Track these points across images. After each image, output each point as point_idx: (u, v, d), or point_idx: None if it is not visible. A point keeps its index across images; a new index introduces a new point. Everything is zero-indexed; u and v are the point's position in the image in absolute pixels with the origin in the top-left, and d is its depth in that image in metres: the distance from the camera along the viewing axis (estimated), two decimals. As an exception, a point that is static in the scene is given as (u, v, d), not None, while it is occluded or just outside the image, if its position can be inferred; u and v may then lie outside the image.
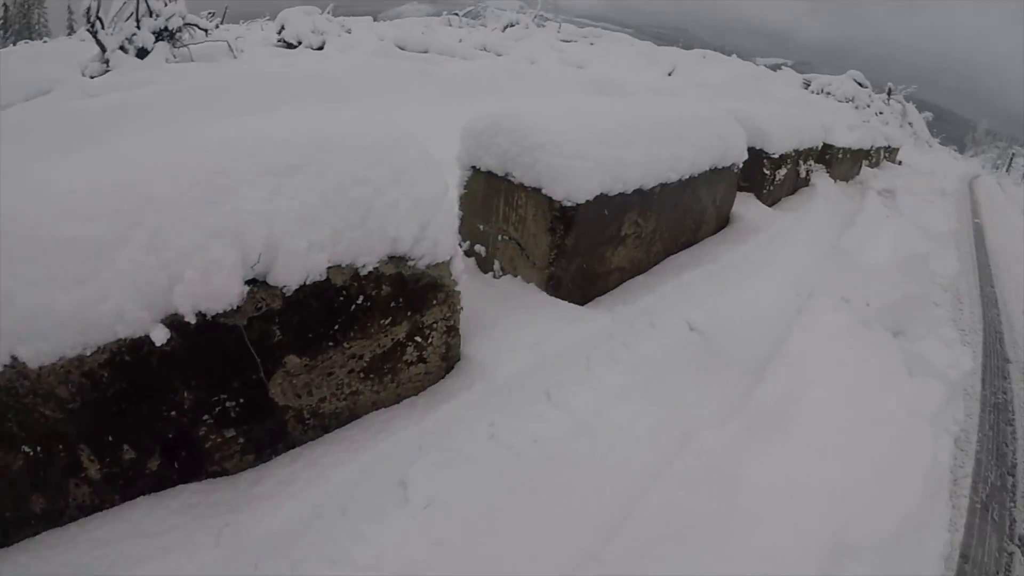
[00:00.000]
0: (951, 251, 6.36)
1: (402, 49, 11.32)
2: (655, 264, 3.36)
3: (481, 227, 2.87)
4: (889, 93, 26.65)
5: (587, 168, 2.55)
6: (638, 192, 2.88)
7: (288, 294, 1.61)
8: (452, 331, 2.20)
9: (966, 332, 4.33)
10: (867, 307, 3.34)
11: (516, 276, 2.84)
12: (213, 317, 1.45)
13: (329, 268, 1.70)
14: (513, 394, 2.17)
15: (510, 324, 2.46)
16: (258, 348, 1.60)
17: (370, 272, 1.81)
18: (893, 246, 5.08)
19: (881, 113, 24.16)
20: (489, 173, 2.70)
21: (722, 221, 4.09)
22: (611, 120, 2.86)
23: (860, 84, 24.67)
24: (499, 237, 2.83)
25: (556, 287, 2.75)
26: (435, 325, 2.11)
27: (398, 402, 2.06)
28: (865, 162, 9.45)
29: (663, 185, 3.04)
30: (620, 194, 2.77)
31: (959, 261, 6.17)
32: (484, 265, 2.94)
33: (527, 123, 2.57)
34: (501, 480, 1.82)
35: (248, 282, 1.53)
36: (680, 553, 1.55)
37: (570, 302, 2.79)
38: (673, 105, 3.58)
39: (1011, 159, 37.07)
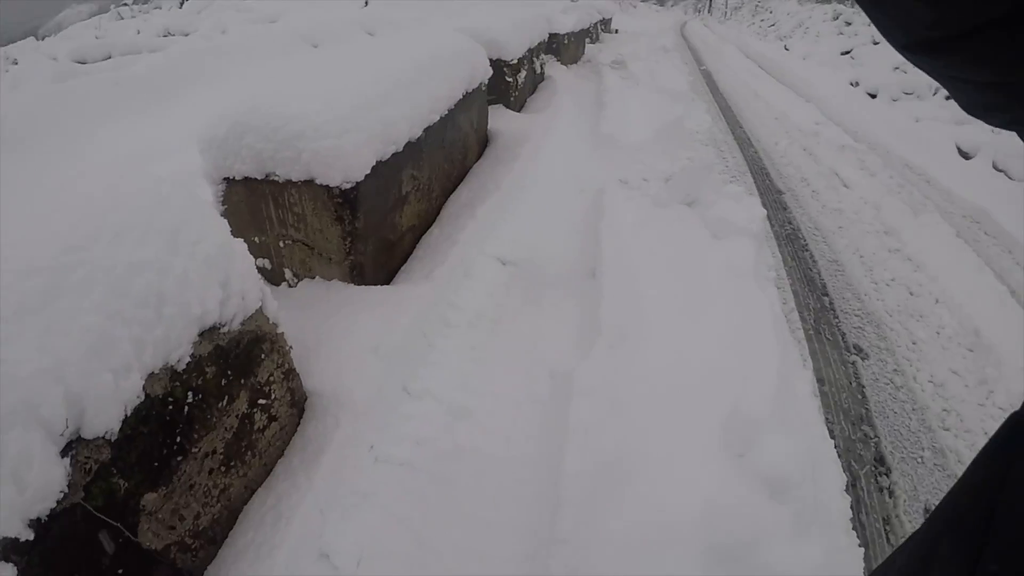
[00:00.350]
0: (698, 105, 7.53)
1: (83, 64, 9.32)
2: (440, 210, 3.50)
3: (257, 239, 2.68)
4: (583, -36, 28.75)
5: (358, 141, 2.51)
6: (408, 145, 2.93)
7: (114, 438, 1.45)
8: (290, 374, 2.15)
9: (737, 178, 5.29)
10: (648, 183, 3.93)
11: (314, 278, 2.77)
12: (49, 515, 1.28)
13: (144, 384, 1.55)
14: (375, 408, 2.25)
15: (336, 334, 2.46)
16: (109, 511, 1.44)
17: (188, 363, 1.69)
18: (647, 117, 5.85)
19: (583, -12, 26.11)
20: (247, 180, 2.49)
21: (483, 142, 4.32)
22: (362, 79, 2.79)
23: (553, -37, 26.14)
24: (280, 244, 2.69)
25: (361, 275, 2.77)
26: (272, 378, 2.05)
27: (268, 474, 2.02)
28: (587, 40, 10.62)
29: (427, 129, 3.12)
30: (394, 155, 2.79)
31: (708, 114, 7.35)
32: (274, 278, 2.79)
33: (277, 112, 2.40)
34: (410, 501, 1.94)
35: (64, 450, 1.35)
36: (623, 498, 1.83)
37: (378, 284, 2.86)
38: (414, 42, 3.56)
39: (710, 1, 43.39)
